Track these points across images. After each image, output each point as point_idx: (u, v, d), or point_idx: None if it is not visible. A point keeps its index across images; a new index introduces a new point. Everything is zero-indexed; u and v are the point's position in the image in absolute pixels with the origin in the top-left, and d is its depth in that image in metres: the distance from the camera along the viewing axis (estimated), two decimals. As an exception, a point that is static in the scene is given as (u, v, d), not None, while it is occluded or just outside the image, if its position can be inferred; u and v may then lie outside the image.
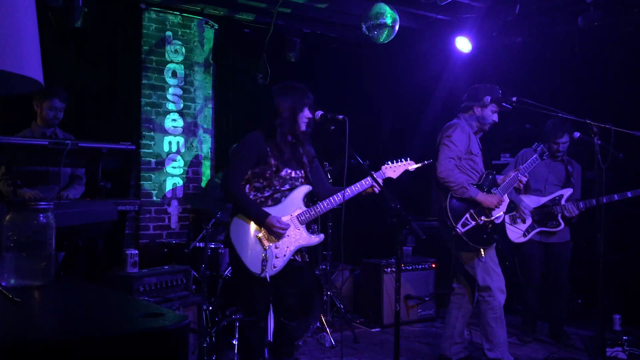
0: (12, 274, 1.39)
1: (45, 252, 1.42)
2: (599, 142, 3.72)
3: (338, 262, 5.66)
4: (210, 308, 4.38)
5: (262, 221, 3.21)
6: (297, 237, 3.32)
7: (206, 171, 6.28)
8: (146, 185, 5.82)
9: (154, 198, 5.86)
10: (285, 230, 3.24)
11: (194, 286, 4.31)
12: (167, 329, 1.00)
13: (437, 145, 4.22)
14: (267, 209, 3.26)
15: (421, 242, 5.71)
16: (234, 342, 4.25)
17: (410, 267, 5.68)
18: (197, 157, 6.17)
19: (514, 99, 3.89)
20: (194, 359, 3.77)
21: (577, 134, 4.75)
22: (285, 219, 3.27)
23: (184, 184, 6.04)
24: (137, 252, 3.78)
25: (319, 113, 3.27)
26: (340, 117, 3.17)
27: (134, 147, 3.82)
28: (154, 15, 5.89)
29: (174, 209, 5.98)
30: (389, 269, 5.57)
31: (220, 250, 4.76)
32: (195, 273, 4.37)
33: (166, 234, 5.89)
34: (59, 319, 1.18)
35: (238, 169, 3.29)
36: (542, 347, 4.90)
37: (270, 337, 4.27)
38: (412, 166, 3.49)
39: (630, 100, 5.46)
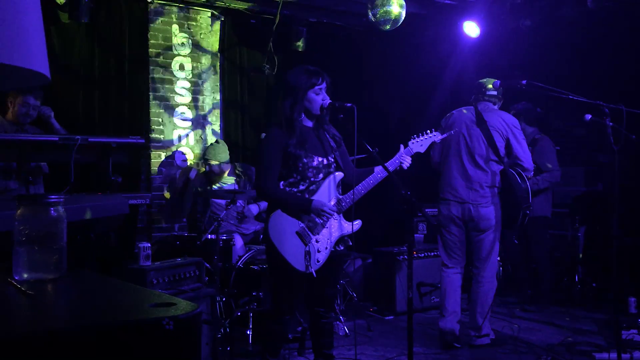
0: (25, 267, 1.40)
1: (57, 245, 1.42)
2: (611, 123, 3.68)
3: (350, 251, 5.66)
4: (224, 299, 4.41)
5: (308, 208, 3.10)
6: (336, 226, 3.23)
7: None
8: (157, 178, 5.84)
9: (165, 191, 5.88)
10: (334, 212, 3.15)
11: (206, 278, 4.33)
12: (178, 318, 1.01)
13: (499, 130, 4.36)
14: None
15: (433, 229, 5.70)
16: (248, 332, 4.27)
17: (423, 255, 5.67)
18: (206, 149, 6.18)
19: (524, 82, 3.85)
20: (208, 350, 3.80)
21: (588, 116, 4.70)
22: None
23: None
24: (149, 245, 3.80)
25: (327, 102, 3.22)
26: (348, 105, 3.13)
27: (143, 141, 3.84)
28: (160, 9, 5.89)
29: (185, 201, 6.00)
30: (402, 257, 5.56)
31: (231, 242, 4.78)
32: (207, 265, 4.40)
33: (178, 227, 5.92)
34: (71, 310, 1.18)
35: (267, 169, 3.15)
36: (557, 331, 4.88)
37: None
38: (439, 137, 3.46)
39: (642, 81, 5.39)
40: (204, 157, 5.43)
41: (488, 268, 4.41)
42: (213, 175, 5.31)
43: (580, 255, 5.91)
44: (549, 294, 5.58)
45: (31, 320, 1.08)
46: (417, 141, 3.40)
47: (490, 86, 4.47)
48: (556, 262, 6.01)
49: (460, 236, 4.48)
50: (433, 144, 3.50)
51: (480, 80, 4.61)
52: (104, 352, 0.96)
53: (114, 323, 0.98)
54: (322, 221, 3.18)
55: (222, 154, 5.29)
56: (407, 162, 3.30)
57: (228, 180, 5.37)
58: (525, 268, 5.78)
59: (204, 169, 5.48)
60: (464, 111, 4.55)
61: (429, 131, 3.44)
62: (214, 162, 5.25)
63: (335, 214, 3.20)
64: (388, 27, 5.52)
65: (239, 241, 5.04)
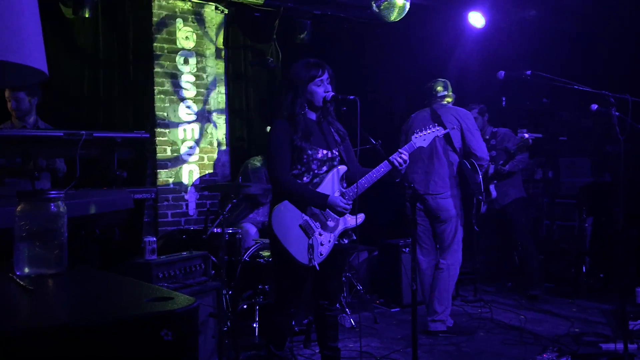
0: (26, 263, 1.41)
1: (58, 240, 1.44)
2: (617, 113, 3.66)
3: (354, 245, 5.66)
4: (230, 292, 4.42)
5: (324, 203, 3.08)
6: (340, 220, 3.21)
7: (222, 157, 6.30)
8: (163, 173, 5.86)
9: (171, 185, 5.90)
10: (349, 206, 3.13)
11: (213, 271, 4.35)
12: (175, 312, 1.01)
13: (453, 124, 4.51)
14: None
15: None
16: (254, 325, 4.29)
17: (429, 246, 5.66)
18: (212, 143, 6.19)
19: (529, 72, 3.83)
20: (214, 343, 3.81)
21: (594, 106, 4.66)
22: None
23: (200, 170, 6.08)
24: (155, 239, 3.81)
25: (330, 94, 3.20)
26: (351, 97, 3.11)
27: (148, 135, 3.83)
28: (163, 3, 5.88)
29: (191, 195, 6.02)
30: (407, 249, 5.56)
31: (237, 236, 4.79)
32: (214, 258, 4.41)
33: (184, 221, 5.94)
34: (69, 305, 1.19)
35: (281, 161, 3.14)
36: (564, 322, 4.87)
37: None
38: (441, 132, 3.43)
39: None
40: None
41: (449, 256, 4.63)
42: None
43: (588, 246, 5.89)
44: (538, 278, 5.69)
45: (29, 316, 1.09)
46: (420, 135, 3.36)
47: (439, 88, 4.77)
48: (563, 253, 5.99)
49: (426, 224, 4.74)
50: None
51: (428, 85, 4.86)
52: (102, 347, 0.96)
53: (110, 319, 0.99)
54: (335, 216, 3.16)
55: None
56: (400, 158, 3.19)
57: None
58: (508, 256, 6.04)
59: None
60: (421, 113, 4.79)
61: (431, 125, 3.42)
62: None
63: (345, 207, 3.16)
64: (392, 18, 5.50)
65: (252, 228, 5.11)
